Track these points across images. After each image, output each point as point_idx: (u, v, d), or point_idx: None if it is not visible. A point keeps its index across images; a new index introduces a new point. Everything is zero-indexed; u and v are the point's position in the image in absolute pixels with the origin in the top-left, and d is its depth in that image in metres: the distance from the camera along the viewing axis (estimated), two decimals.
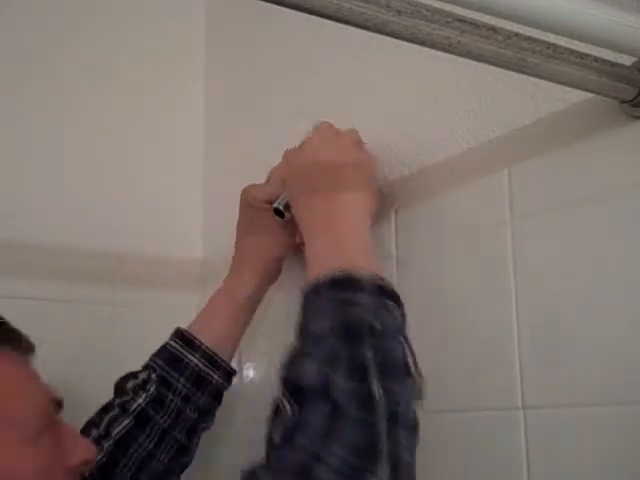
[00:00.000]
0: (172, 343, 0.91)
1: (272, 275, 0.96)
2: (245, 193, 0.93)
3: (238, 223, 0.95)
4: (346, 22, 0.51)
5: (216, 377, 0.90)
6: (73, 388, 1.12)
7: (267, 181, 0.93)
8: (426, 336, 0.80)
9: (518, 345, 0.70)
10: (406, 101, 0.88)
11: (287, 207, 0.87)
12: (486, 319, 0.74)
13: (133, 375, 0.91)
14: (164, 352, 0.91)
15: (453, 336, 0.77)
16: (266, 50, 1.17)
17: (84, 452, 0.75)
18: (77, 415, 1.11)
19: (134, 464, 0.87)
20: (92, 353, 1.15)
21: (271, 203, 0.87)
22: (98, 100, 1.22)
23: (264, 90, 1.17)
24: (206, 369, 0.89)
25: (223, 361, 0.91)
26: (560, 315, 0.67)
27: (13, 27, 1.17)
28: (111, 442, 0.86)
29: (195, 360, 0.89)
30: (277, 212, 0.88)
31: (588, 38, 0.55)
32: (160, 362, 0.90)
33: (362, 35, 0.56)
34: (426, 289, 0.81)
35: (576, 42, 0.57)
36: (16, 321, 1.10)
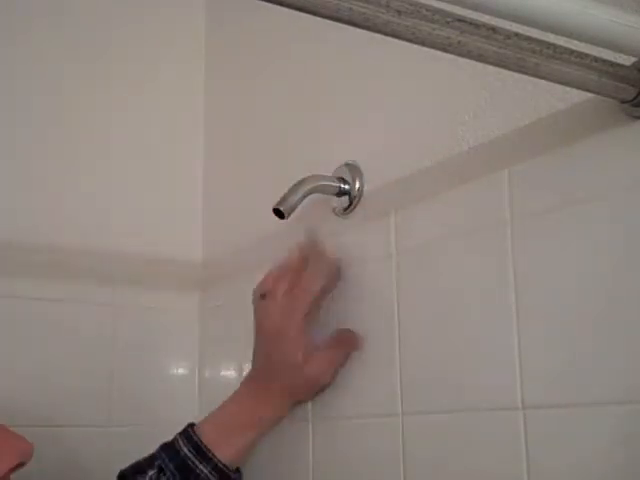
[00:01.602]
0: (184, 449, 0.89)
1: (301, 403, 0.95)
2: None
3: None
4: (346, 22, 0.51)
5: None
6: (73, 388, 1.12)
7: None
8: (426, 336, 0.80)
9: (518, 345, 0.70)
10: (406, 101, 0.88)
11: (288, 207, 0.87)
12: (486, 319, 0.74)
13: (141, 471, 0.90)
14: (175, 455, 0.89)
15: (453, 336, 0.77)
16: (266, 50, 1.17)
17: (15, 456, 0.73)
18: (77, 414, 1.11)
19: None
20: (92, 353, 1.15)
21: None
22: (98, 100, 1.23)
23: (264, 90, 1.17)
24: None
25: (235, 473, 0.91)
26: (560, 315, 0.67)
27: (14, 28, 1.17)
28: None
29: (206, 472, 0.88)
30: (277, 212, 0.88)
31: (588, 38, 0.55)
32: (171, 466, 0.89)
33: (362, 35, 0.56)
34: (426, 289, 0.81)
35: (576, 42, 0.57)
36: (16, 321, 1.10)
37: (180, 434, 0.91)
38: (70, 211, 1.17)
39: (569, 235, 0.67)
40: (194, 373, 1.22)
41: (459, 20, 0.53)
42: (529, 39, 0.56)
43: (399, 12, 0.51)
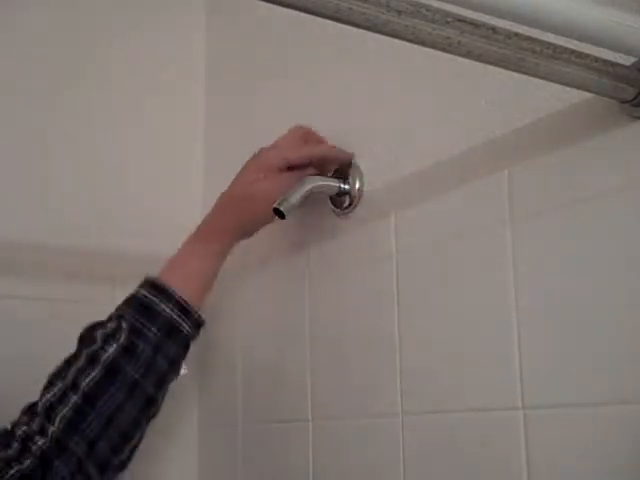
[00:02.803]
0: (143, 291, 0.89)
1: (251, 233, 0.96)
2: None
3: (244, 181, 0.94)
4: (346, 22, 0.51)
5: (187, 326, 0.88)
6: None
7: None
8: (426, 336, 0.80)
9: (518, 345, 0.70)
10: (406, 101, 0.88)
11: (288, 207, 0.87)
12: (486, 319, 0.74)
13: (100, 324, 0.88)
14: (134, 301, 0.88)
15: (453, 336, 0.77)
16: (266, 50, 1.17)
17: None
18: None
19: (103, 417, 0.83)
20: None
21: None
22: (98, 101, 1.23)
23: (264, 90, 1.17)
24: (178, 318, 0.88)
25: (193, 309, 0.89)
26: (560, 315, 0.67)
27: (14, 27, 1.17)
28: (79, 394, 0.83)
29: (168, 309, 0.87)
30: (277, 212, 0.88)
31: (588, 38, 0.55)
32: (131, 310, 0.87)
33: (362, 35, 0.56)
34: (426, 289, 0.81)
35: (576, 42, 0.57)
36: (16, 321, 1.10)
37: (138, 286, 0.91)
38: (70, 211, 1.17)
39: (569, 235, 0.67)
40: (194, 373, 1.22)
41: (459, 20, 0.53)
42: (529, 39, 0.56)
43: (399, 12, 0.51)
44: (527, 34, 0.56)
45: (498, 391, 0.72)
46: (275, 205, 0.88)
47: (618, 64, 0.60)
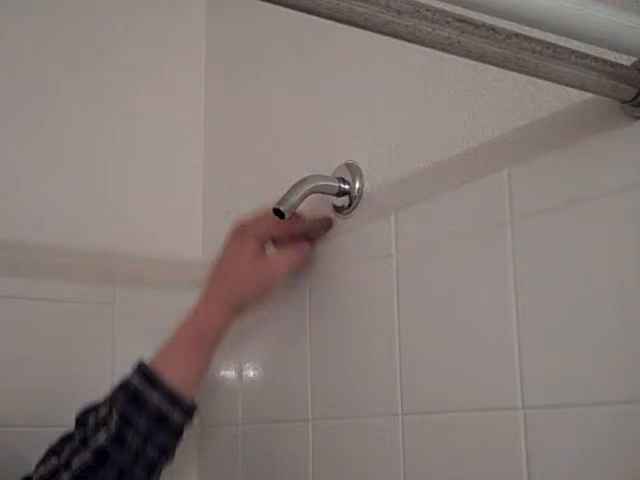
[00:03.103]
0: (133, 379, 0.89)
1: (244, 312, 0.96)
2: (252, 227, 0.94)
3: (228, 255, 0.95)
4: (346, 22, 0.51)
5: (176, 416, 0.88)
6: (73, 388, 1.12)
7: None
8: (426, 336, 0.80)
9: (518, 345, 0.70)
10: (406, 101, 0.88)
11: (288, 207, 0.87)
12: (486, 319, 0.74)
13: (95, 408, 0.89)
14: (125, 388, 0.89)
15: (453, 336, 0.77)
16: (266, 50, 1.17)
17: None
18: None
19: None
20: (92, 353, 1.15)
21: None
22: (98, 101, 1.23)
23: (264, 90, 1.17)
24: (167, 408, 0.87)
25: (183, 399, 0.89)
26: (560, 315, 0.67)
27: (14, 26, 1.17)
28: (71, 475, 0.85)
29: (156, 399, 0.87)
30: (277, 212, 0.88)
31: (588, 38, 0.55)
32: (122, 399, 0.88)
33: (362, 35, 0.56)
34: (426, 289, 0.81)
35: (576, 42, 0.57)
36: (16, 321, 1.10)
37: (132, 371, 0.91)
38: (70, 211, 1.17)
39: (569, 235, 0.67)
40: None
41: (459, 20, 0.53)
42: (529, 39, 0.56)
43: (399, 12, 0.51)
44: (527, 34, 0.56)
45: (498, 391, 0.71)
46: (275, 205, 0.88)
47: (618, 64, 0.60)
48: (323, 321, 0.96)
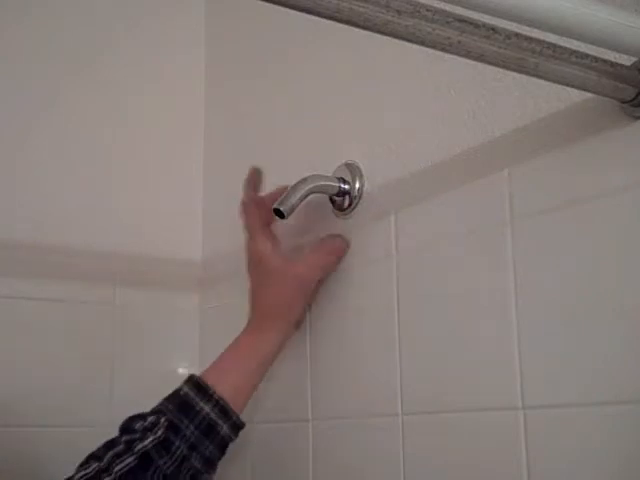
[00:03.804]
0: (185, 389, 0.89)
1: (297, 326, 0.96)
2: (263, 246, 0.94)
3: (253, 274, 0.95)
4: (346, 22, 0.51)
5: (225, 428, 0.87)
6: (73, 388, 1.12)
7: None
8: (426, 336, 0.80)
9: (518, 345, 0.70)
10: (406, 101, 0.88)
11: (288, 207, 0.87)
12: (486, 319, 0.74)
13: (141, 417, 0.88)
14: (176, 397, 0.88)
15: (453, 336, 0.77)
16: (266, 50, 1.17)
17: None
18: (77, 414, 1.11)
19: None
20: (92, 353, 1.15)
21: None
22: (98, 101, 1.23)
23: (264, 90, 1.17)
24: (217, 419, 0.87)
25: (234, 413, 0.89)
26: (560, 315, 0.67)
27: (14, 26, 1.17)
28: (112, 478, 0.83)
29: (207, 409, 0.87)
30: (277, 212, 0.88)
31: (588, 38, 0.55)
32: (171, 407, 0.87)
33: (362, 35, 0.56)
34: (426, 289, 0.81)
35: (576, 42, 0.57)
36: (16, 321, 1.10)
37: (182, 383, 0.91)
38: (70, 211, 1.17)
39: (569, 235, 0.67)
40: (194, 373, 1.22)
41: (459, 20, 0.53)
42: (529, 39, 0.56)
43: (399, 12, 0.51)
44: (527, 34, 0.56)
45: (498, 391, 0.71)
46: (275, 205, 0.88)
47: (618, 64, 0.60)
48: (323, 321, 0.96)
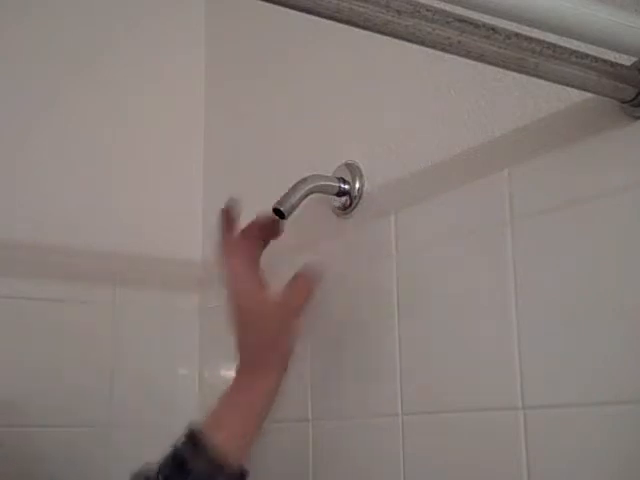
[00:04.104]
0: (180, 444, 0.87)
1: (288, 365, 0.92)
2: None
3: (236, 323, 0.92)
4: (346, 22, 0.51)
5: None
6: (73, 388, 1.12)
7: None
8: (426, 336, 0.80)
9: (518, 345, 0.70)
10: (406, 101, 0.88)
11: (288, 207, 0.87)
12: (486, 319, 0.74)
13: (146, 476, 0.87)
14: (173, 454, 0.87)
15: (453, 336, 0.77)
16: (266, 50, 1.17)
17: None
18: (77, 414, 1.11)
19: None
20: (92, 353, 1.15)
21: None
22: (98, 101, 1.23)
23: (264, 90, 1.17)
24: (211, 474, 0.85)
25: (229, 465, 0.85)
26: (560, 315, 0.67)
27: (13, 25, 1.17)
28: None
29: (199, 466, 0.85)
30: (277, 212, 0.88)
31: (588, 38, 0.55)
32: (169, 464, 0.86)
33: (362, 35, 0.56)
34: (426, 289, 0.81)
35: (576, 42, 0.57)
36: (16, 321, 1.10)
37: (183, 433, 0.89)
38: (70, 211, 1.17)
39: (569, 235, 0.67)
40: (194, 373, 1.22)
41: (459, 20, 0.53)
42: (529, 39, 0.56)
43: (399, 12, 0.51)
44: (527, 34, 0.56)
45: (498, 391, 0.71)
46: (275, 205, 0.88)
47: (618, 64, 0.60)
48: (323, 321, 0.96)
